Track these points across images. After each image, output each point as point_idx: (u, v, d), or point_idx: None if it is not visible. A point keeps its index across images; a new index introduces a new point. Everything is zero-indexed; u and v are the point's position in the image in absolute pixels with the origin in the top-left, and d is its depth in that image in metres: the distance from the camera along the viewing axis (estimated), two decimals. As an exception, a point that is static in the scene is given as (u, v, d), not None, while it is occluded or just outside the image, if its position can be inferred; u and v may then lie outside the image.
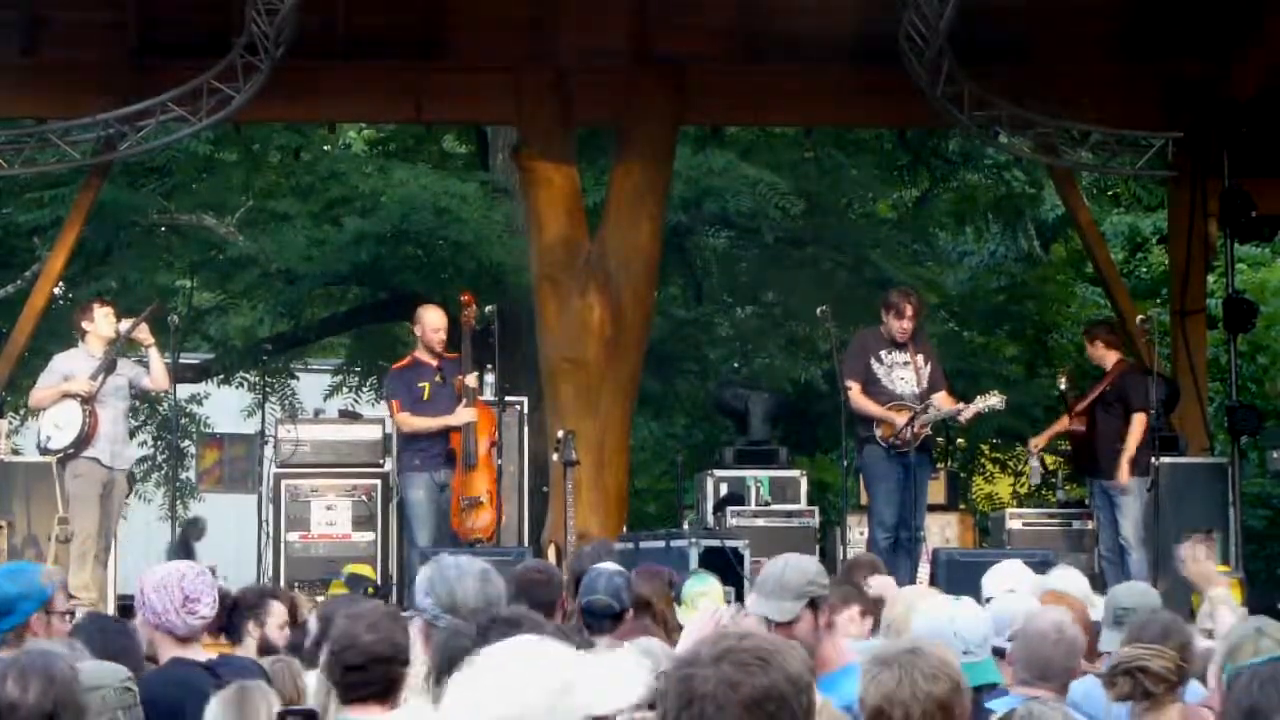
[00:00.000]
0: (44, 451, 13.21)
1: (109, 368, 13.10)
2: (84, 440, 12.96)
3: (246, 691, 5.22)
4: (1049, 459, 15.67)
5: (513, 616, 4.20)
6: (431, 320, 13.35)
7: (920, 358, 13.26)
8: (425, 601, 5.05)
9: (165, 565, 6.46)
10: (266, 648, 7.83)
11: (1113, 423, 13.82)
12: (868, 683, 4.35)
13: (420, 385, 13.17)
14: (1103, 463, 13.81)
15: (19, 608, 6.25)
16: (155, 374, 13.28)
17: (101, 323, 13.15)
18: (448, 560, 5.19)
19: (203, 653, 6.27)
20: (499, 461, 13.18)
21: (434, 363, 13.27)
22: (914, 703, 4.27)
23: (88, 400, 12.95)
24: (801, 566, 6.00)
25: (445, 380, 13.17)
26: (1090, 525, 14.33)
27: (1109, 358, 14.12)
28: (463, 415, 13.04)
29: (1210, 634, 7.01)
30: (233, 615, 7.91)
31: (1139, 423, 13.72)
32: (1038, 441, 14.49)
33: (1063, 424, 14.38)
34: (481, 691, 3.21)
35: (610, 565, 8.29)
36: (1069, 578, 7.82)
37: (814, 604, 5.89)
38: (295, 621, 8.34)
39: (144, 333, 13.18)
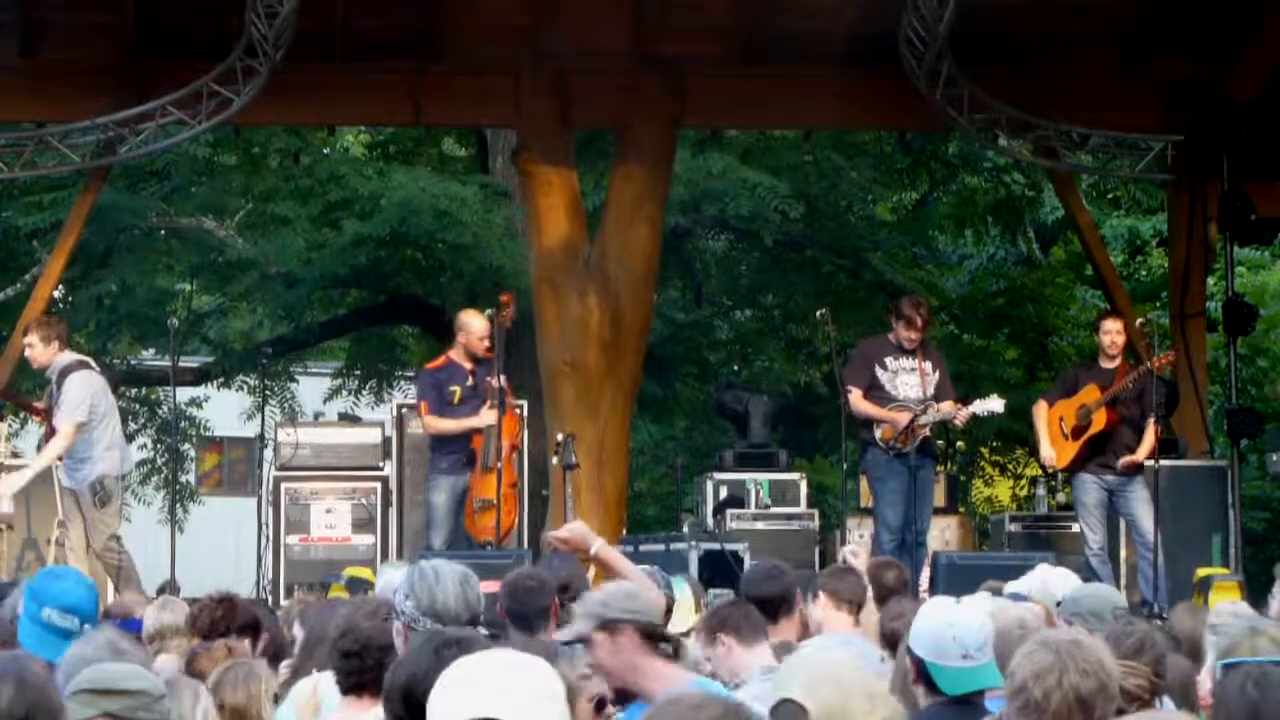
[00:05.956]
0: None
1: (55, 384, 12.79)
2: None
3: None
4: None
5: (463, 637, 4.15)
6: (478, 328, 13.25)
7: (928, 364, 13.25)
8: (405, 605, 5.06)
9: None
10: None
11: (1130, 421, 13.51)
12: (1023, 659, 4.54)
13: (451, 389, 13.14)
14: (1111, 459, 13.59)
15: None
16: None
17: None
18: (425, 564, 5.21)
19: None
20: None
21: (469, 366, 13.23)
22: (1056, 690, 4.48)
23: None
24: (605, 589, 5.89)
25: (478, 385, 13.13)
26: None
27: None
28: (485, 417, 13.01)
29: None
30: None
31: (1155, 431, 13.49)
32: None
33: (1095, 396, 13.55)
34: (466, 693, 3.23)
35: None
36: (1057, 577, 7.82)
37: (607, 626, 5.63)
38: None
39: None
